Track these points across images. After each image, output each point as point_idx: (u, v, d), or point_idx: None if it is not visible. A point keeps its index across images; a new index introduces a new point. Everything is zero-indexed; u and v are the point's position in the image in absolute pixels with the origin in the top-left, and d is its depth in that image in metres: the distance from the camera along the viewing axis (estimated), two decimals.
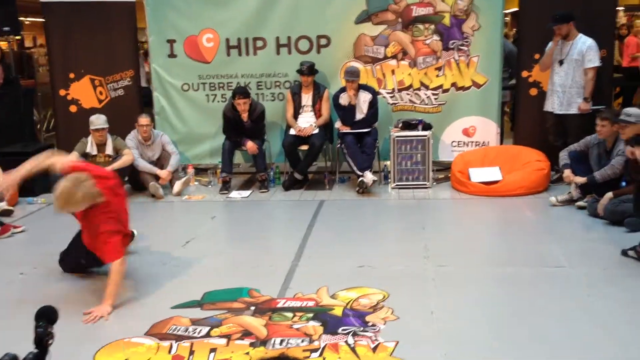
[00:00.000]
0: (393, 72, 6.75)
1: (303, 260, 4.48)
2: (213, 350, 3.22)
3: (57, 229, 4.73)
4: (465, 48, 6.59)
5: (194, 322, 3.54)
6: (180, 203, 6.30)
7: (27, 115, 8.27)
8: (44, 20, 7.30)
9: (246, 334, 3.38)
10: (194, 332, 3.41)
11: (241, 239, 5.22)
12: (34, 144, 7.45)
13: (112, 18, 6.97)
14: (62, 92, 7.09)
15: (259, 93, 6.92)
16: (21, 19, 11.12)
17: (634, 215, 4.60)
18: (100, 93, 7.10)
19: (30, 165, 3.81)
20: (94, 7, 7.07)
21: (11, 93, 7.93)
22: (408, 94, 6.79)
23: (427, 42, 6.64)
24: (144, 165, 6.43)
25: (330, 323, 3.46)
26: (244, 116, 6.42)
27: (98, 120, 6.20)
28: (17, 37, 10.36)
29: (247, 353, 3.17)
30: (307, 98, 6.63)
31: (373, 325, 3.41)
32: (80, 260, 4.18)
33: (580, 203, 5.44)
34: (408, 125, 6.45)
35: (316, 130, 6.51)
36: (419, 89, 6.75)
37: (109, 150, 6.26)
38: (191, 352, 3.20)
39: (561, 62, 6.01)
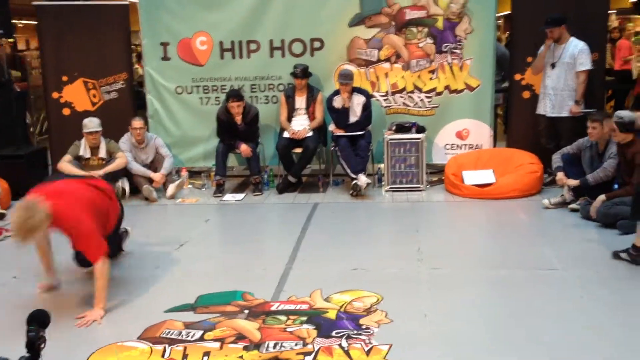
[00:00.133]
0: (387, 75, 6.77)
1: (297, 263, 4.47)
2: (207, 353, 3.21)
3: None
4: (458, 51, 6.61)
5: (188, 325, 3.53)
6: (174, 206, 6.28)
7: (19, 118, 8.24)
8: (37, 22, 7.27)
9: (240, 337, 3.37)
10: (188, 336, 3.40)
11: (235, 242, 5.22)
12: (27, 146, 7.42)
13: (105, 21, 6.95)
14: (55, 95, 7.07)
15: (253, 96, 6.92)
16: (14, 21, 11.11)
17: (626, 218, 4.62)
18: (94, 96, 7.08)
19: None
20: (87, 10, 7.06)
21: (4, 95, 7.89)
22: (402, 97, 6.80)
23: (421, 45, 6.66)
24: (137, 168, 6.42)
25: (324, 326, 3.45)
26: (238, 119, 6.42)
27: (91, 123, 6.18)
28: (10, 40, 10.33)
29: (241, 357, 3.17)
30: (301, 101, 6.63)
31: (367, 328, 3.41)
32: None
33: (573, 205, 5.46)
34: (402, 128, 6.46)
35: (310, 133, 6.51)
36: (412, 92, 6.77)
37: (102, 153, 6.25)
38: (184, 356, 3.19)
39: (553, 65, 6.04)
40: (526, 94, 6.59)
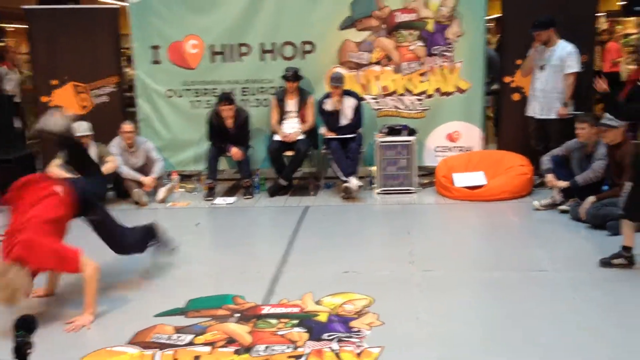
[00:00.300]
0: (377, 77, 6.78)
1: (288, 267, 4.46)
2: (197, 358, 3.19)
3: None
4: (448, 54, 6.64)
5: (178, 329, 3.52)
6: (165, 210, 6.26)
7: (9, 122, 8.18)
8: (27, 27, 7.24)
9: (230, 341, 3.36)
10: (178, 340, 3.39)
11: (226, 246, 5.20)
12: (16, 150, 7.36)
13: (95, 24, 6.95)
14: (44, 99, 7.03)
15: (244, 99, 6.91)
16: (4, 25, 11.04)
17: (615, 219, 4.64)
18: (84, 100, 7.05)
19: None
20: (77, 14, 7.05)
21: None
22: (392, 100, 6.82)
23: (411, 48, 6.68)
24: (127, 172, 6.38)
25: (315, 329, 3.45)
26: (229, 122, 6.41)
27: (81, 128, 6.15)
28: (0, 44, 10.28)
29: None
30: (292, 104, 6.63)
31: (358, 331, 3.41)
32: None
33: (563, 207, 5.49)
34: (392, 131, 6.48)
35: (301, 136, 6.51)
36: (403, 95, 6.78)
37: (92, 157, 6.20)
38: None
39: (542, 68, 6.07)
40: (516, 97, 6.62)
